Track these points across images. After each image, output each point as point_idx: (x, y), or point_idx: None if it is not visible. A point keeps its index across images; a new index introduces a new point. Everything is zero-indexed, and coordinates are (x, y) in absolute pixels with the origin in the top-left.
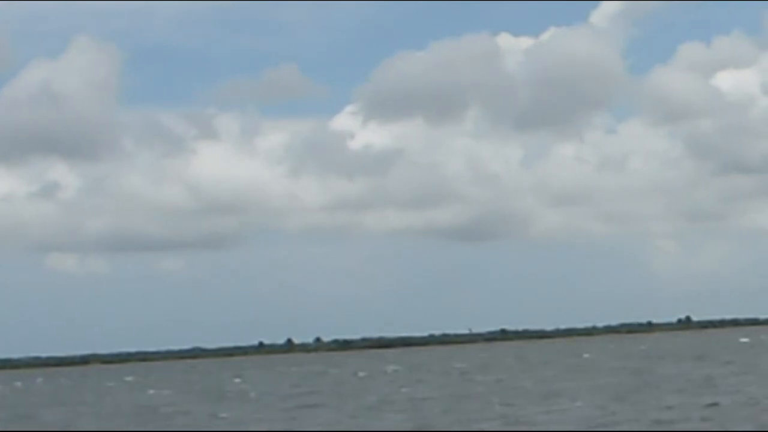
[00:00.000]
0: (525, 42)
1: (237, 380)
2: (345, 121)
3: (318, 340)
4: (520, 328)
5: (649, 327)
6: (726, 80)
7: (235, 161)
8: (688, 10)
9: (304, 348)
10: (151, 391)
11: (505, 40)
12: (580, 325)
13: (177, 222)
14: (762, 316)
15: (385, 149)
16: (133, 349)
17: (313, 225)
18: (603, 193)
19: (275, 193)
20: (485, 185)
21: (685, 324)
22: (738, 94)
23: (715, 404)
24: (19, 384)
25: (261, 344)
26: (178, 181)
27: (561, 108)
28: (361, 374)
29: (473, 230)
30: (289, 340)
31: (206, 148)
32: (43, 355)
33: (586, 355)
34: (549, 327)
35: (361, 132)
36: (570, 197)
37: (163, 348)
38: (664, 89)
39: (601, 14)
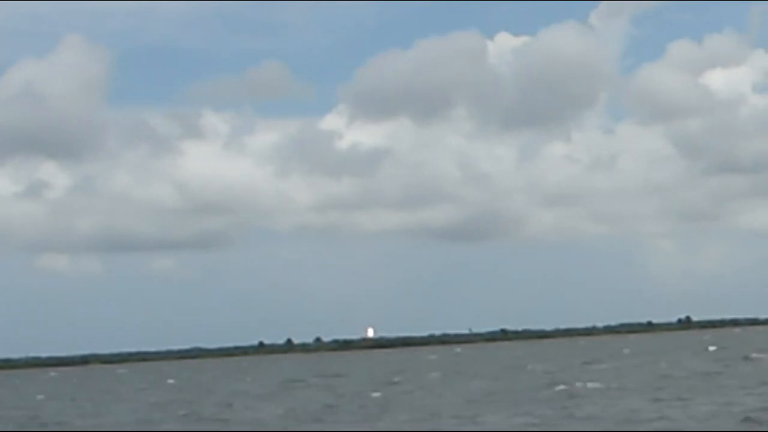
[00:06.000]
0: (516, 41)
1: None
2: (334, 120)
3: (318, 340)
4: (520, 328)
5: (649, 327)
6: (717, 78)
7: (224, 161)
8: (681, 9)
9: (304, 348)
10: None
11: (502, 39)
12: (580, 325)
13: (167, 222)
14: (762, 316)
15: (374, 148)
16: (133, 349)
17: (304, 224)
18: (596, 192)
19: (265, 192)
20: (475, 185)
21: (686, 324)
22: (729, 93)
23: None
24: None
25: (261, 344)
26: (168, 180)
27: (550, 107)
28: None
29: (467, 230)
30: (289, 340)
31: (195, 147)
32: (43, 355)
33: None
34: (549, 327)
35: (349, 131)
36: (562, 197)
37: (163, 348)
38: (655, 88)
39: (596, 13)
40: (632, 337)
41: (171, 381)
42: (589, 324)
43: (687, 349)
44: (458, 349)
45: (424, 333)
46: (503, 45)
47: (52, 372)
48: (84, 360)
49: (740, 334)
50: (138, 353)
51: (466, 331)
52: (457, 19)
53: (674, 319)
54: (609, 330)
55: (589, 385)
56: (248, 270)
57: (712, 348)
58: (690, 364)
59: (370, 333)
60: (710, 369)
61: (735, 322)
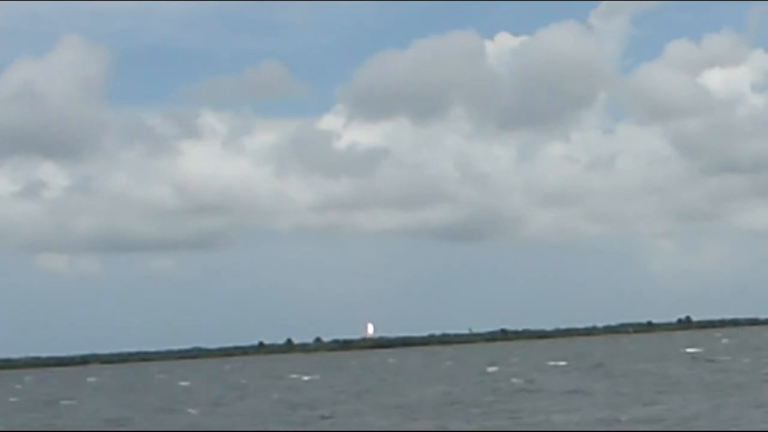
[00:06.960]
0: (514, 41)
1: None
2: (333, 120)
3: (318, 340)
4: (520, 328)
5: (649, 327)
6: (716, 78)
7: (223, 161)
8: (680, 9)
9: (304, 348)
10: None
11: (501, 38)
12: (580, 325)
13: (166, 222)
14: (762, 316)
15: (372, 148)
16: (133, 349)
17: (303, 224)
18: (595, 192)
19: (264, 192)
20: (474, 185)
21: (686, 324)
22: (728, 93)
23: None
24: None
25: (261, 344)
26: (166, 180)
27: (549, 107)
28: None
29: (466, 230)
30: (289, 340)
31: (194, 147)
32: (43, 355)
33: None
34: (549, 327)
35: (347, 131)
36: (561, 197)
37: (163, 348)
38: (654, 88)
39: (595, 13)
40: (630, 337)
41: (155, 381)
42: (589, 324)
43: (668, 352)
44: (450, 349)
45: (424, 333)
46: (502, 45)
47: (47, 372)
48: (84, 360)
49: (739, 334)
50: (138, 353)
51: (466, 331)
52: (455, 19)
53: (674, 319)
54: (609, 330)
55: (546, 386)
56: (248, 270)
57: (691, 350)
58: (654, 368)
59: (370, 329)
60: (672, 372)
61: (735, 322)
